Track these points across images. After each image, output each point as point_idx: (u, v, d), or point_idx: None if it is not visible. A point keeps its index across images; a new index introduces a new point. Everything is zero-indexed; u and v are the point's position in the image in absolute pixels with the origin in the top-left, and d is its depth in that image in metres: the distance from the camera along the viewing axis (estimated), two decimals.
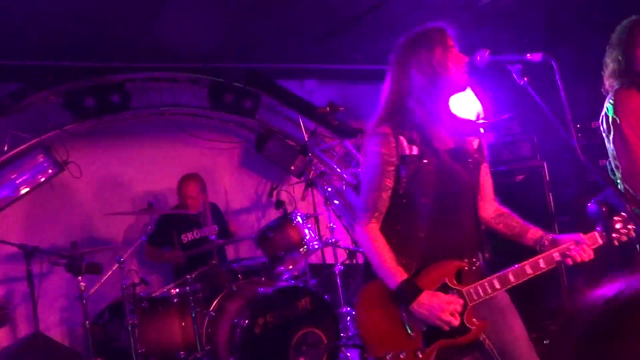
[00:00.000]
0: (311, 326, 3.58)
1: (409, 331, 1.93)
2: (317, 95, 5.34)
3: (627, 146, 2.61)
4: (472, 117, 5.26)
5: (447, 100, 2.04)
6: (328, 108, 4.36)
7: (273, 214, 4.95)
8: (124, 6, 3.13)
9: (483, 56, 2.00)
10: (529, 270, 1.95)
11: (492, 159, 4.59)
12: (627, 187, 2.64)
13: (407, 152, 1.96)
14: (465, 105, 5.35)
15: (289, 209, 4.75)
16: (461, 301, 1.92)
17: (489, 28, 4.44)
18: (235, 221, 4.95)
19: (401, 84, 2.01)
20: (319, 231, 4.45)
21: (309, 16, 3.75)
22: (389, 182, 1.98)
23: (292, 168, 5.20)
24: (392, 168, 1.97)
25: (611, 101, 2.71)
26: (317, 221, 4.67)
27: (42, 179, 4.16)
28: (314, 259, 5.02)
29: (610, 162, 2.76)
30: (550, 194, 4.61)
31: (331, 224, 4.33)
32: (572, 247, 1.94)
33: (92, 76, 4.19)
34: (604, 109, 2.76)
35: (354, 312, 2.02)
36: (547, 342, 4.34)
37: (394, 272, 1.92)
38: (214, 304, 3.67)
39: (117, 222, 4.51)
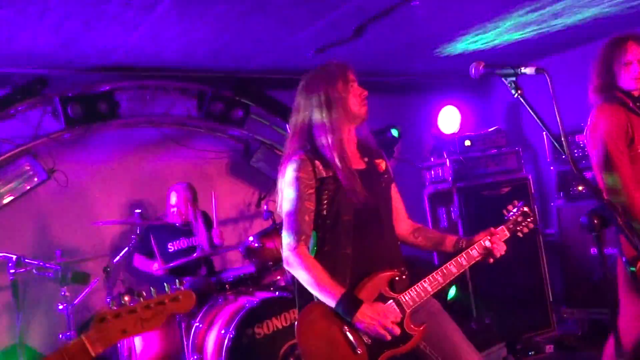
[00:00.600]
0: None
1: (355, 350, 1.97)
2: None
3: (610, 162, 2.66)
4: (454, 131, 5.35)
5: (351, 129, 2.20)
6: None
7: (261, 224, 4.95)
8: (112, 12, 3.12)
9: (478, 68, 2.05)
10: (454, 269, 2.10)
11: (478, 172, 4.70)
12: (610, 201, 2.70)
13: (325, 174, 2.07)
14: (448, 119, 5.43)
15: (278, 219, 4.76)
16: (398, 311, 2.01)
17: None
18: (222, 231, 4.94)
19: (307, 114, 2.15)
20: None
21: (303, 27, 3.78)
22: (310, 205, 2.07)
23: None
24: (312, 191, 2.07)
25: (595, 116, 2.77)
26: None
27: (28, 187, 4.10)
28: None
29: (594, 175, 2.82)
30: (535, 206, 4.67)
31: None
32: (486, 241, 2.14)
33: (80, 84, 4.17)
34: (589, 124, 2.82)
35: (298, 339, 2.03)
36: (532, 353, 4.38)
37: (332, 289, 1.99)
38: (201, 314, 3.64)
39: (104, 232, 4.46)
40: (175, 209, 4.25)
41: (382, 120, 5.07)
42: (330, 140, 2.08)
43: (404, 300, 2.04)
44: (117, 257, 3.90)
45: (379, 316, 1.94)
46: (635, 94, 2.74)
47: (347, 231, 2.06)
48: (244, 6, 3.25)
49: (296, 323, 2.05)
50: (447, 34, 4.32)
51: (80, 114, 4.06)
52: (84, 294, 3.70)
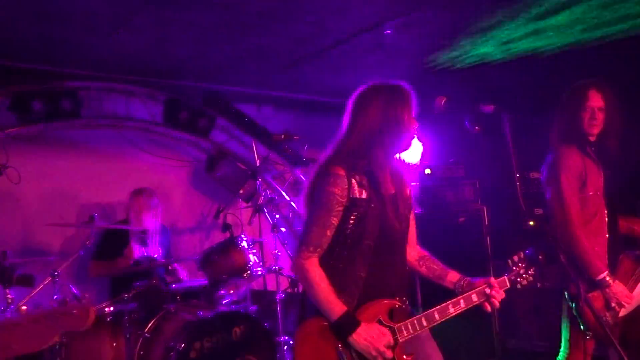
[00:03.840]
0: (248, 353, 3.52)
1: None
2: (273, 121, 5.39)
3: (562, 200, 2.79)
4: (416, 160, 5.48)
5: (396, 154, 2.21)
6: (283, 135, 4.41)
7: (217, 236, 4.90)
8: (89, 14, 3.08)
9: (440, 103, 2.13)
10: (451, 309, 2.15)
11: (437, 200, 4.80)
12: (559, 237, 2.82)
13: (358, 195, 2.08)
14: (411, 148, 5.56)
15: (235, 232, 4.73)
16: (392, 338, 2.05)
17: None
18: (178, 241, 4.87)
19: (367, 127, 2.11)
20: (263, 257, 4.44)
21: (273, 45, 3.81)
22: (335, 221, 2.07)
23: (241, 192, 5.18)
24: (341, 208, 2.07)
25: (554, 155, 2.91)
26: (261, 247, 4.65)
27: None
28: (256, 285, 4.98)
29: (545, 212, 2.94)
30: (488, 237, 4.81)
31: (276, 251, 4.33)
32: (486, 289, 2.18)
33: (44, 80, 4.06)
34: (546, 163, 2.95)
35: (292, 348, 2.06)
36: None
37: (334, 305, 2.02)
38: (149, 325, 3.56)
39: (56, 234, 4.32)
40: (132, 215, 4.16)
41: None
42: (381, 161, 2.10)
43: (399, 329, 2.08)
44: (67, 261, 3.77)
45: (374, 339, 1.99)
46: (591, 139, 2.89)
47: (365, 255, 2.08)
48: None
49: (296, 332, 2.09)
50: None
51: (42, 110, 3.95)
52: (28, 297, 3.56)
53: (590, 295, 2.72)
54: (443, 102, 2.12)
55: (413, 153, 5.56)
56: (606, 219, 2.84)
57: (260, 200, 4.53)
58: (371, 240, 2.09)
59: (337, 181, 2.06)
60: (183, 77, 4.50)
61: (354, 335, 1.98)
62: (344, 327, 1.99)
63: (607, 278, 2.70)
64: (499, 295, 2.18)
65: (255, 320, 3.67)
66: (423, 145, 5.57)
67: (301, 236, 2.10)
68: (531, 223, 4.77)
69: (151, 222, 4.14)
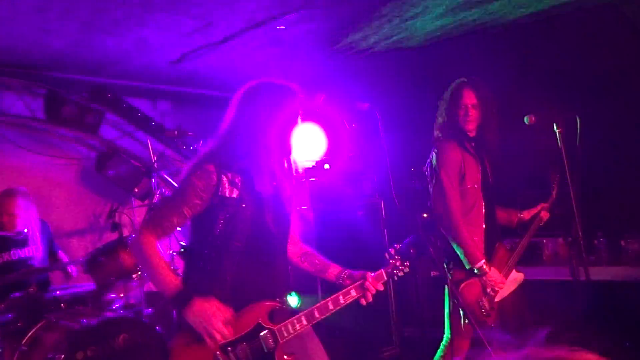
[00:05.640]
0: None
1: None
2: (170, 117, 5.20)
3: (443, 193, 2.92)
4: (317, 154, 5.52)
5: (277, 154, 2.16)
6: (176, 132, 4.26)
7: (110, 238, 4.65)
8: None
9: (319, 100, 2.12)
10: (330, 306, 2.17)
11: (337, 193, 4.86)
12: (442, 229, 2.94)
13: (228, 193, 2.03)
14: (311, 142, 5.60)
15: (127, 232, 4.51)
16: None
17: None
18: (67, 244, 4.56)
19: (249, 126, 2.07)
20: None
21: (159, 38, 3.65)
22: (187, 212, 2.03)
23: (136, 190, 4.95)
24: (198, 201, 2.02)
25: (435, 151, 3.03)
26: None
27: None
28: (153, 286, 4.79)
29: (431, 203, 3.06)
30: (385, 229, 4.95)
31: (171, 251, 4.19)
32: (364, 282, 2.21)
33: None
34: (430, 157, 3.07)
35: None
36: None
37: (169, 280, 1.99)
38: (27, 337, 3.30)
39: None
40: (9, 217, 3.84)
41: None
42: (255, 159, 2.05)
43: (280, 330, 2.07)
44: None
45: (207, 312, 1.93)
46: (471, 134, 3.03)
47: (233, 258, 2.03)
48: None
49: (170, 345, 2.03)
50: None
51: None
52: None
53: (468, 282, 2.87)
54: (322, 98, 2.11)
55: (314, 149, 5.60)
56: (483, 210, 3.00)
57: (156, 198, 4.35)
58: (241, 242, 2.05)
59: (203, 175, 2.01)
60: (66, 69, 4.20)
61: (187, 310, 1.94)
62: (177, 302, 1.96)
63: (484, 266, 2.86)
64: (372, 289, 2.22)
65: (145, 325, 3.52)
66: (323, 140, 5.62)
67: (151, 213, 2.04)
68: (424, 215, 4.99)
69: (24, 222, 3.86)
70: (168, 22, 3.28)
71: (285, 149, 2.15)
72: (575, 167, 2.92)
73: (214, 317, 1.93)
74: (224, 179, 2.03)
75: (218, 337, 1.94)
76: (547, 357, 0.70)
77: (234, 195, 2.04)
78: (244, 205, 2.05)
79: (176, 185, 2.05)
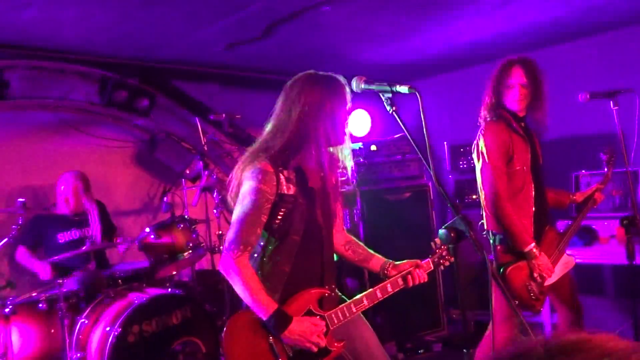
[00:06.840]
0: (190, 335, 3.52)
1: (277, 358, 2.04)
2: (217, 99, 5.29)
3: (489, 175, 2.85)
4: (364, 134, 5.50)
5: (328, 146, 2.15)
6: (224, 114, 4.34)
7: (164, 217, 4.82)
8: None
9: (359, 83, 2.10)
10: (379, 294, 2.21)
11: (383, 175, 4.84)
12: (489, 212, 2.88)
13: (285, 191, 2.07)
14: (357, 123, 5.58)
15: (179, 212, 4.67)
16: (324, 325, 2.09)
17: None
18: (124, 224, 4.76)
19: (302, 122, 2.05)
20: (210, 237, 4.39)
21: (210, 23, 3.71)
22: (264, 218, 2.05)
23: (187, 172, 5.09)
24: (269, 205, 2.05)
25: (482, 132, 2.95)
26: (208, 227, 4.61)
27: None
28: (205, 264, 4.95)
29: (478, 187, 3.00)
30: (434, 212, 4.89)
31: (219, 232, 4.31)
32: (411, 271, 2.27)
33: None
34: (476, 138, 2.99)
35: (223, 342, 2.05)
36: (422, 351, 4.59)
37: (265, 303, 2.00)
38: (87, 311, 3.50)
39: None
40: (64, 199, 4.06)
41: None
42: (315, 158, 2.07)
43: (330, 317, 2.13)
44: None
45: (305, 333, 2.01)
46: (520, 114, 2.94)
47: (291, 250, 2.09)
48: None
49: (224, 329, 2.06)
50: (354, 43, 4.41)
51: None
52: None
53: (515, 265, 2.81)
54: (362, 81, 2.09)
55: (360, 126, 5.59)
56: (533, 192, 2.91)
57: (207, 180, 4.47)
58: (298, 236, 2.09)
59: (266, 178, 2.02)
60: (120, 53, 4.33)
61: (286, 333, 2.00)
62: (276, 325, 1.99)
63: (534, 250, 2.78)
64: (421, 277, 2.26)
65: (195, 302, 3.66)
66: (371, 119, 5.59)
67: (230, 234, 2.04)
68: (474, 197, 4.90)
69: (83, 203, 4.06)
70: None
71: (339, 141, 2.15)
72: (632, 147, 2.78)
73: (311, 336, 2.02)
74: (282, 177, 2.06)
75: (314, 349, 2.03)
76: (569, 340, 0.69)
77: (291, 192, 2.08)
78: (299, 201, 2.09)
79: (237, 184, 2.00)
